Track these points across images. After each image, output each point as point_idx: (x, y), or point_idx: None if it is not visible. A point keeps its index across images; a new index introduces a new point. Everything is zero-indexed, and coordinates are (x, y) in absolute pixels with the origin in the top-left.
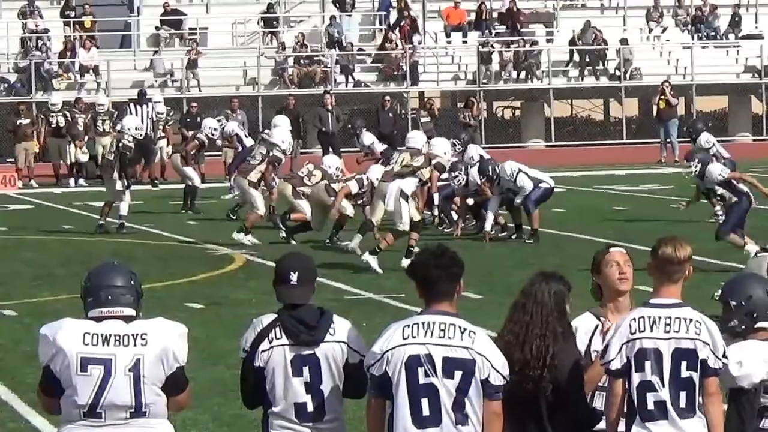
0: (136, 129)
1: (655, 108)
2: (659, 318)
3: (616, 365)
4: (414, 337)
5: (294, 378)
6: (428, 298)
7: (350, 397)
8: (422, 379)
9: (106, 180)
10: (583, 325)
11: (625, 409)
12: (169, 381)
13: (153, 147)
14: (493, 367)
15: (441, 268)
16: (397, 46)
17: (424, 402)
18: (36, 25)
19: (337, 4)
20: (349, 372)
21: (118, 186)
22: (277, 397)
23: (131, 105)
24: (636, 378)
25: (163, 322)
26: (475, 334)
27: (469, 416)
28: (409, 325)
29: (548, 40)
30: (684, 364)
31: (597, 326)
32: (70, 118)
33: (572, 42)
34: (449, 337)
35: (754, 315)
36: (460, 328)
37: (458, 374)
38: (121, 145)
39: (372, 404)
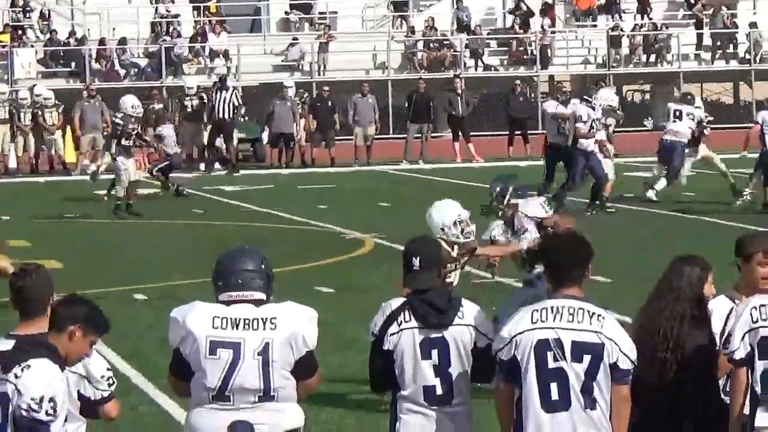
0: (132, 107)
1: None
2: None
3: (740, 354)
4: (543, 321)
5: (423, 361)
6: (557, 283)
7: (478, 381)
8: (551, 364)
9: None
10: (719, 308)
11: (748, 398)
12: (299, 365)
13: (232, 130)
14: (622, 351)
15: (571, 252)
16: (528, 31)
17: (553, 386)
18: (167, 10)
19: None
20: (477, 356)
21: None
22: (406, 380)
23: (213, 91)
24: (760, 366)
25: (293, 306)
26: (603, 318)
27: (597, 400)
28: (537, 310)
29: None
30: None
31: (732, 309)
32: (206, 101)
33: (699, 26)
34: (578, 322)
35: None
36: (588, 312)
37: (587, 358)
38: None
39: (501, 389)
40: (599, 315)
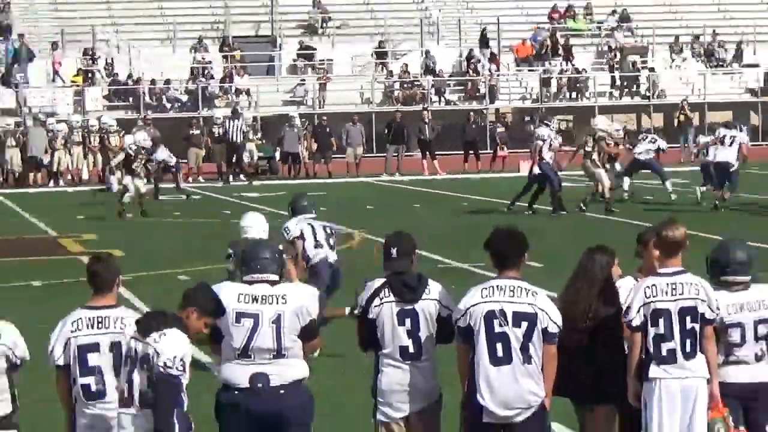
0: (143, 140)
1: (676, 120)
2: (667, 284)
3: (636, 323)
4: (490, 296)
5: (399, 327)
6: (501, 267)
7: (442, 342)
8: (497, 329)
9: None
10: (625, 286)
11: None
12: (304, 330)
13: (242, 151)
14: (551, 319)
15: (511, 244)
16: (479, 74)
17: (499, 346)
18: (203, 58)
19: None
20: (440, 323)
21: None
22: (386, 341)
23: (227, 119)
24: (652, 331)
25: (300, 285)
26: (536, 294)
27: (532, 357)
28: (486, 288)
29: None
30: (688, 318)
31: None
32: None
33: (612, 70)
34: (517, 296)
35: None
36: (525, 289)
37: (524, 324)
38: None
39: (460, 349)
40: (534, 291)
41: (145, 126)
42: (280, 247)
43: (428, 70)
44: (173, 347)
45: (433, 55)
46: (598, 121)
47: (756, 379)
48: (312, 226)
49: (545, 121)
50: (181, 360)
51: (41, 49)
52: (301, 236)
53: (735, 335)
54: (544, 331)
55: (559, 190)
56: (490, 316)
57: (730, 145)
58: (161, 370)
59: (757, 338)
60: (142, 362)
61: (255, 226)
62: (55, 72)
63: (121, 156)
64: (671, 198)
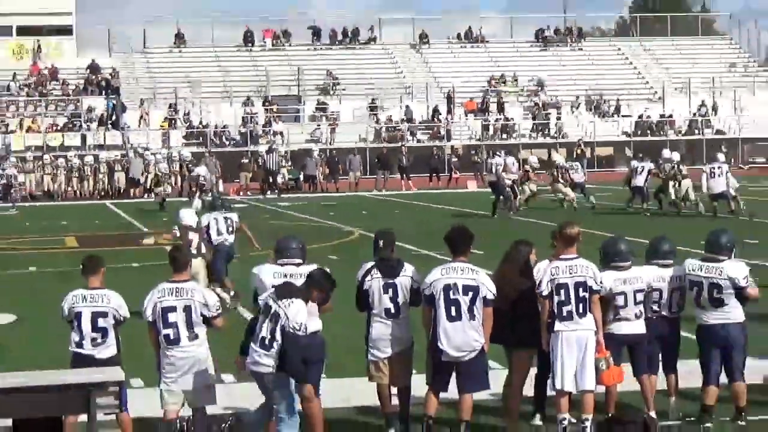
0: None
1: (575, 153)
2: (566, 266)
3: (545, 293)
4: (447, 274)
5: (384, 295)
6: (454, 253)
7: (414, 305)
8: (452, 296)
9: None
10: (542, 267)
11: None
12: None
13: (277, 175)
14: (488, 290)
15: (461, 236)
16: (440, 121)
17: (453, 308)
18: (250, 110)
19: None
20: (412, 292)
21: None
22: (375, 305)
23: (266, 153)
24: (556, 299)
25: (316, 267)
26: (478, 272)
27: (476, 316)
28: (444, 268)
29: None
30: (581, 289)
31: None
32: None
33: (534, 117)
34: (465, 274)
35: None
36: (471, 269)
37: (470, 293)
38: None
39: (425, 310)
40: (477, 270)
41: (209, 157)
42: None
43: (407, 118)
44: (298, 314)
45: (410, 109)
46: (556, 157)
47: (635, 332)
48: (217, 219)
49: (497, 153)
50: (303, 324)
51: (135, 102)
52: (208, 226)
53: (620, 300)
54: (484, 298)
55: (499, 200)
56: (446, 288)
57: (640, 173)
58: (290, 329)
59: (635, 303)
60: (274, 318)
61: (186, 217)
62: (141, 118)
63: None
64: (594, 205)
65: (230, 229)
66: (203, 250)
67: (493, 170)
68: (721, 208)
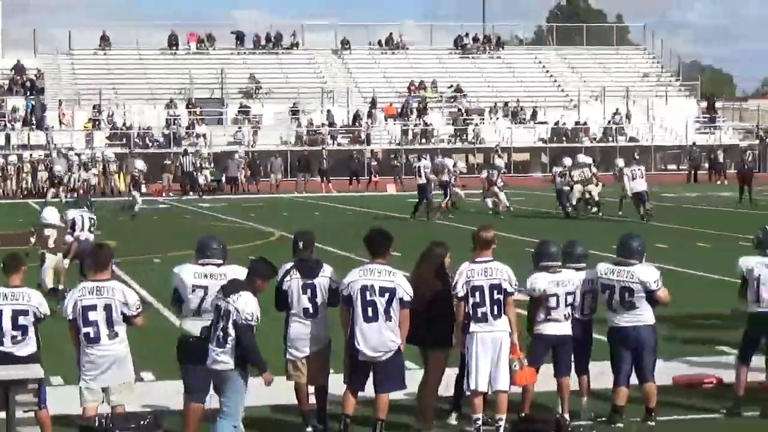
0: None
1: (491, 159)
2: (482, 269)
3: (460, 294)
4: (365, 275)
5: (303, 295)
6: (372, 255)
7: (331, 306)
8: (368, 297)
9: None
10: (462, 269)
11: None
12: None
13: (198, 176)
14: (405, 291)
15: (380, 239)
16: (361, 125)
17: (369, 309)
18: (174, 112)
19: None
20: (330, 293)
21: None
22: (293, 304)
23: (182, 155)
24: (471, 300)
25: (236, 267)
26: (395, 274)
27: (392, 317)
28: (362, 269)
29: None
30: (495, 291)
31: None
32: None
33: (453, 123)
34: (383, 276)
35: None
36: (388, 270)
37: (387, 295)
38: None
39: (342, 310)
40: (394, 272)
41: (131, 158)
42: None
43: (328, 123)
44: (247, 305)
45: (331, 114)
46: (497, 161)
47: (562, 332)
48: (82, 216)
49: (423, 156)
50: (253, 314)
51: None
52: (74, 221)
53: (552, 302)
54: (400, 300)
55: (422, 203)
56: (363, 289)
57: (637, 178)
58: (243, 321)
59: (566, 305)
60: (225, 315)
61: (49, 216)
62: (60, 119)
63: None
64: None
65: (92, 228)
66: (64, 245)
67: (422, 173)
68: (627, 210)
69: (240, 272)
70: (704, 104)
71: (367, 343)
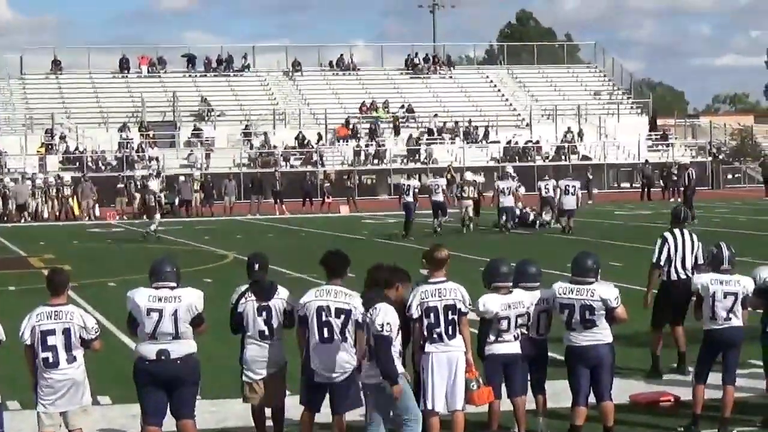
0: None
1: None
2: (435, 290)
3: (415, 315)
4: (321, 296)
5: (258, 318)
6: (329, 276)
7: (287, 327)
8: (323, 318)
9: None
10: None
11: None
12: (193, 320)
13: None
14: (361, 312)
15: (337, 260)
16: (313, 147)
17: (325, 330)
18: (126, 135)
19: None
20: (285, 315)
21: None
22: (249, 327)
23: (142, 177)
24: (425, 321)
25: (190, 289)
26: (352, 295)
27: (347, 338)
28: (318, 290)
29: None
30: (449, 312)
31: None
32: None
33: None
34: (339, 297)
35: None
36: (344, 292)
37: (343, 316)
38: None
39: (298, 330)
40: (350, 294)
41: (84, 182)
42: None
43: (279, 145)
44: (384, 316)
45: (283, 135)
46: (467, 175)
47: (512, 351)
48: None
49: (412, 176)
50: (389, 324)
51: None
52: None
53: (504, 324)
54: (356, 321)
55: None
56: (319, 310)
57: (571, 194)
58: (376, 332)
59: (516, 326)
60: (365, 327)
61: None
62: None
63: None
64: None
65: None
66: None
67: (410, 192)
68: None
69: (194, 295)
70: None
71: (323, 364)
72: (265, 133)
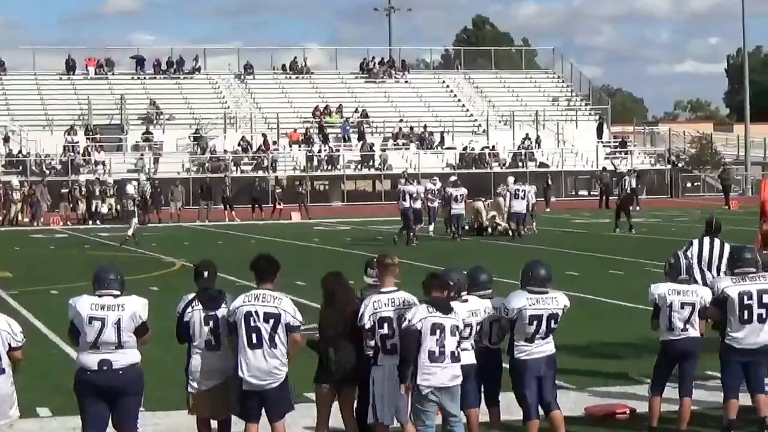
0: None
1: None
2: (388, 299)
3: (367, 326)
4: (250, 302)
5: (204, 327)
6: (259, 280)
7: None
8: (252, 324)
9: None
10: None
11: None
12: (137, 329)
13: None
14: (292, 316)
15: (267, 264)
16: (266, 151)
17: (254, 335)
18: (72, 139)
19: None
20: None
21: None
22: (195, 337)
23: (88, 182)
24: (378, 332)
25: (135, 298)
26: (281, 299)
27: (278, 343)
28: (247, 295)
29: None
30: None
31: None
32: (91, 189)
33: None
34: (267, 301)
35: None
36: (273, 296)
37: (272, 321)
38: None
39: (230, 337)
40: (279, 298)
41: (36, 185)
42: None
43: (230, 149)
44: (415, 315)
45: (234, 140)
46: (453, 180)
47: (469, 362)
48: None
49: (409, 182)
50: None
51: None
52: None
53: (466, 332)
54: (287, 325)
55: (408, 228)
56: (247, 315)
57: (521, 198)
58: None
59: (473, 334)
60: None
61: None
62: None
63: None
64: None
65: None
66: None
67: (407, 198)
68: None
69: (139, 303)
70: (615, 128)
71: (252, 371)
72: (214, 139)
